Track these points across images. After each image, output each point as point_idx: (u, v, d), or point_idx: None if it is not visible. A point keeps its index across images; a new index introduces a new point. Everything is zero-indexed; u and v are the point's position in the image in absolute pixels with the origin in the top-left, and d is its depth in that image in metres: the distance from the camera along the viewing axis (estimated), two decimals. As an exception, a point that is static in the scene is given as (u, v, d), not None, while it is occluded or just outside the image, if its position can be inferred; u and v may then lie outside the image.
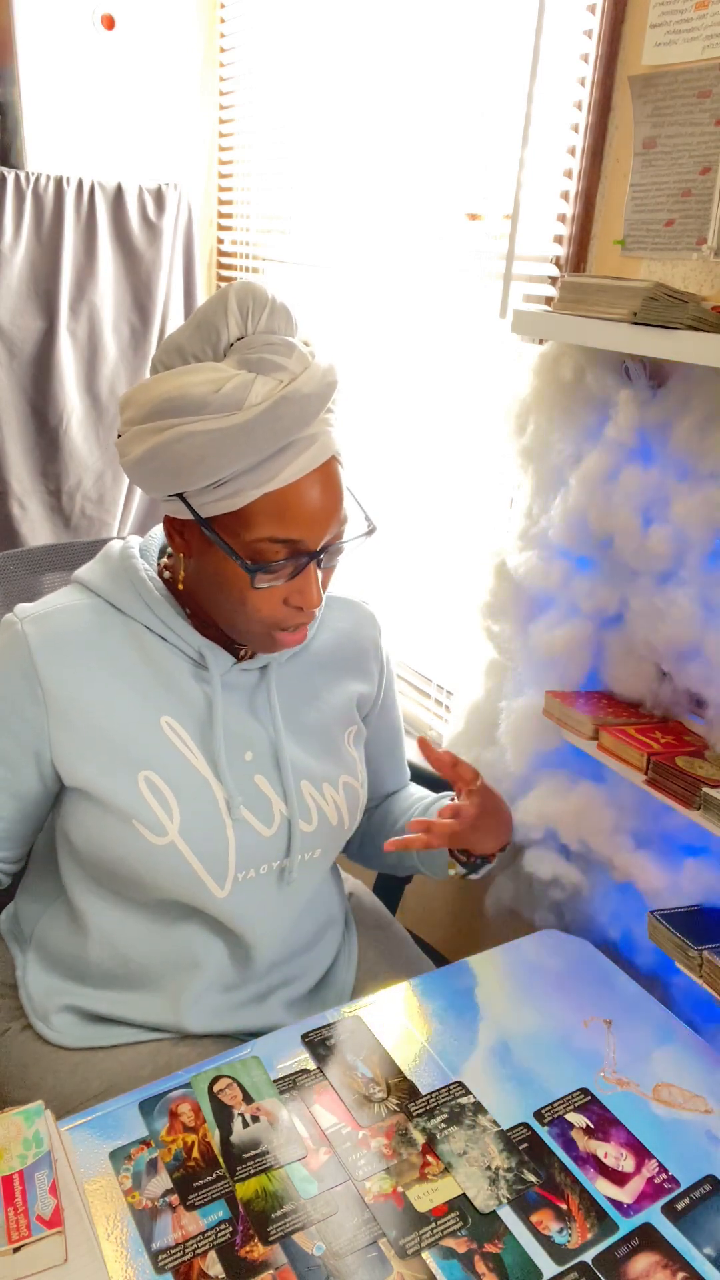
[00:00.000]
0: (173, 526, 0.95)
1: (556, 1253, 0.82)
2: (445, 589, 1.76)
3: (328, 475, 0.90)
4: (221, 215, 2.26)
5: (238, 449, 0.84)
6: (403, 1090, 0.96)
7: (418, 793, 1.29)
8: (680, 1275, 0.81)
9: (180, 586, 0.99)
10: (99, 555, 1.03)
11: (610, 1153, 0.91)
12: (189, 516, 0.91)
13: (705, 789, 1.03)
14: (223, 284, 2.13)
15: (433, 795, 1.27)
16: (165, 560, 1.04)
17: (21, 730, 0.96)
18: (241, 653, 1.04)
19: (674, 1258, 0.82)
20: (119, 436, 0.92)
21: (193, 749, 0.99)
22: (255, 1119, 0.91)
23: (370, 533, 0.96)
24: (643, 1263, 0.81)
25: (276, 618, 0.94)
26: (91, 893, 1.03)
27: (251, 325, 0.87)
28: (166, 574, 1.03)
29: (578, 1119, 0.95)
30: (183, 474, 0.87)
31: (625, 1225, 0.85)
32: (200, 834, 0.98)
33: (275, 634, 0.96)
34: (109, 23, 1.94)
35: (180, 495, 0.89)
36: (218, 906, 1.00)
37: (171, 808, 0.97)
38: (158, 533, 1.06)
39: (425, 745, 1.04)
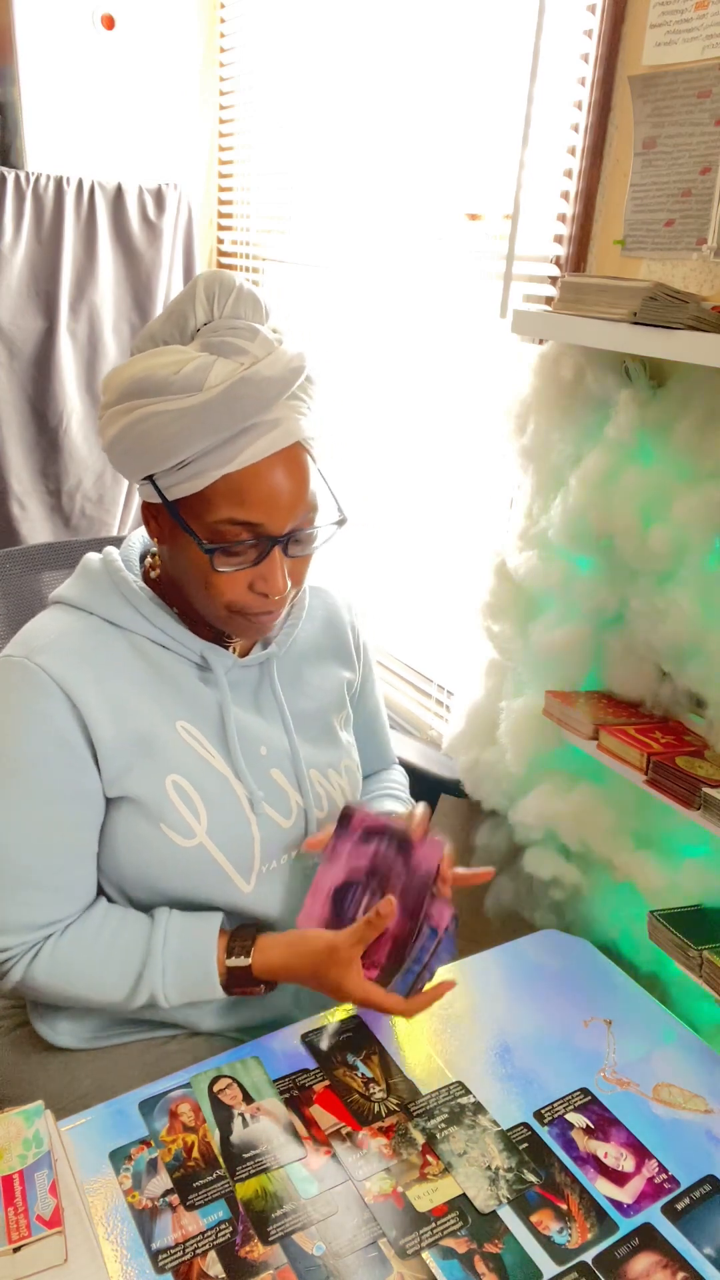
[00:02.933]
0: (148, 512, 0.97)
1: (556, 1253, 0.81)
2: (446, 589, 1.75)
3: (291, 460, 0.91)
4: (221, 215, 2.26)
5: (197, 429, 0.86)
6: (403, 1090, 0.96)
7: (390, 777, 1.30)
8: (680, 1275, 0.81)
9: (154, 574, 1.00)
10: (78, 571, 1.02)
11: (610, 1153, 0.91)
12: (159, 500, 0.92)
13: (705, 789, 1.03)
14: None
15: (393, 785, 1.28)
16: (150, 561, 1.04)
17: (86, 760, 0.94)
18: (234, 647, 1.04)
19: (674, 1258, 0.82)
20: (100, 422, 0.94)
21: (210, 750, 1.00)
22: (255, 1119, 0.91)
23: (341, 523, 0.97)
24: (643, 1263, 0.81)
25: (242, 603, 0.94)
26: (116, 902, 1.03)
27: (217, 310, 0.89)
28: (154, 574, 1.03)
29: (578, 1119, 0.95)
30: (149, 455, 0.89)
31: (625, 1225, 0.84)
32: (227, 833, 0.99)
33: (243, 619, 0.96)
34: (109, 23, 1.95)
35: (150, 478, 0.91)
36: (244, 901, 1.01)
37: (198, 810, 0.97)
38: (135, 539, 1.06)
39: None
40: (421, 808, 1.09)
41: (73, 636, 0.95)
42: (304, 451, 0.92)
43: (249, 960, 0.96)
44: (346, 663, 1.18)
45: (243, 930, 0.99)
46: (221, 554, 0.90)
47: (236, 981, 0.96)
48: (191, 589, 0.96)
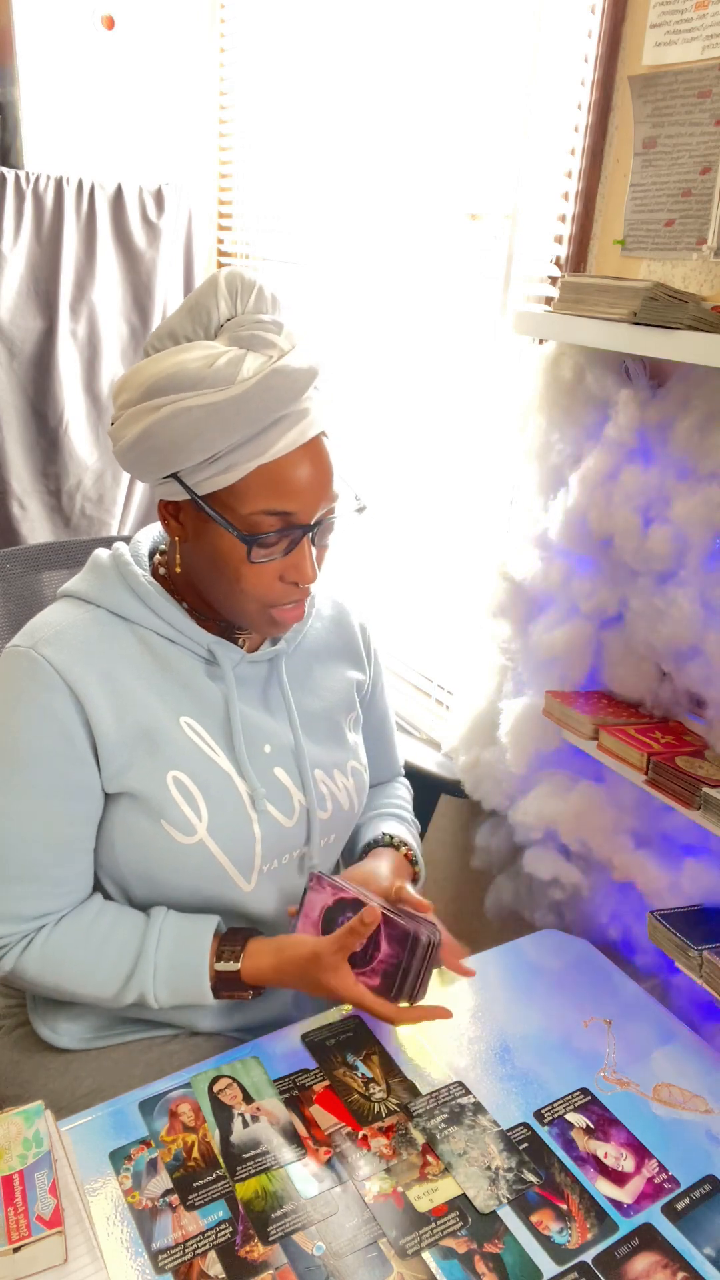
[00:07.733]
0: (167, 511, 0.96)
1: (556, 1253, 0.82)
2: (446, 589, 1.75)
3: (318, 449, 0.92)
4: (221, 215, 2.26)
5: (231, 422, 0.86)
6: (403, 1090, 0.96)
7: (394, 793, 1.29)
8: (680, 1275, 0.81)
9: (177, 570, 1.00)
10: (88, 566, 1.02)
11: (610, 1153, 0.91)
12: (184, 497, 0.92)
13: (705, 789, 1.03)
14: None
15: (397, 801, 1.27)
16: (158, 558, 1.04)
17: (86, 754, 0.94)
18: (243, 643, 1.04)
19: (674, 1258, 0.82)
20: (113, 424, 0.93)
21: (214, 746, 0.99)
22: (255, 1119, 0.91)
23: (361, 510, 0.98)
24: (643, 1263, 0.81)
25: (273, 595, 0.95)
26: (115, 900, 1.03)
27: (240, 306, 0.91)
28: (162, 570, 1.03)
29: (578, 1119, 0.95)
30: (178, 451, 0.88)
31: (625, 1225, 0.84)
32: (228, 831, 0.99)
33: (272, 612, 0.96)
34: (109, 23, 1.95)
35: (175, 475, 0.91)
36: (244, 900, 1.01)
37: (199, 806, 0.97)
38: (143, 536, 1.06)
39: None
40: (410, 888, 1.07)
41: (79, 629, 0.96)
42: (326, 440, 0.94)
43: (238, 965, 0.96)
44: (356, 663, 1.18)
45: (234, 935, 0.99)
46: (258, 545, 0.91)
47: (225, 986, 0.97)
48: (220, 586, 0.95)
